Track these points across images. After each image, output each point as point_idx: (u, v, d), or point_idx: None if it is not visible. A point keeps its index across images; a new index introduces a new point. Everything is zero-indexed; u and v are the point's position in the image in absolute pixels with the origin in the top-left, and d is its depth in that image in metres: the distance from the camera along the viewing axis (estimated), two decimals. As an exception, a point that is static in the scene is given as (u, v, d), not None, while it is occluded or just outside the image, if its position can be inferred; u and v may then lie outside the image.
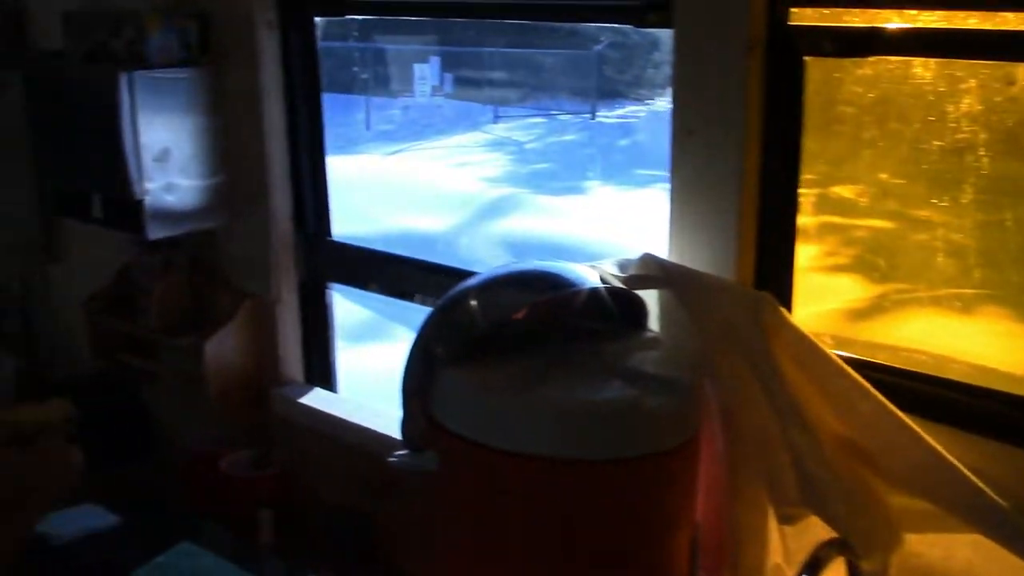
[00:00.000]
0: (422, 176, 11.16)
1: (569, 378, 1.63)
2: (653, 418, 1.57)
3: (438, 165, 12.06)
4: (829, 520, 1.58)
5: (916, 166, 2.11)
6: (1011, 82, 1.75)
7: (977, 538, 1.58)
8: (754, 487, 1.72)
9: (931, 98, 1.78)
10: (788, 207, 1.87)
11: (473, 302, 1.73)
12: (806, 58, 1.80)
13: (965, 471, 1.51)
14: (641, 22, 2.05)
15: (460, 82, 14.93)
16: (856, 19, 1.78)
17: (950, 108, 1.80)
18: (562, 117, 14.27)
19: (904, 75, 1.80)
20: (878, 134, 1.96)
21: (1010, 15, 1.59)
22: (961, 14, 1.66)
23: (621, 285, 1.76)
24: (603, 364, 1.67)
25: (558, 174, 11.77)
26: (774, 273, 1.87)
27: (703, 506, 1.74)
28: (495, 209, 9.60)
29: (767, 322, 1.67)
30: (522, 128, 13.95)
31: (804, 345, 1.65)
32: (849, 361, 1.67)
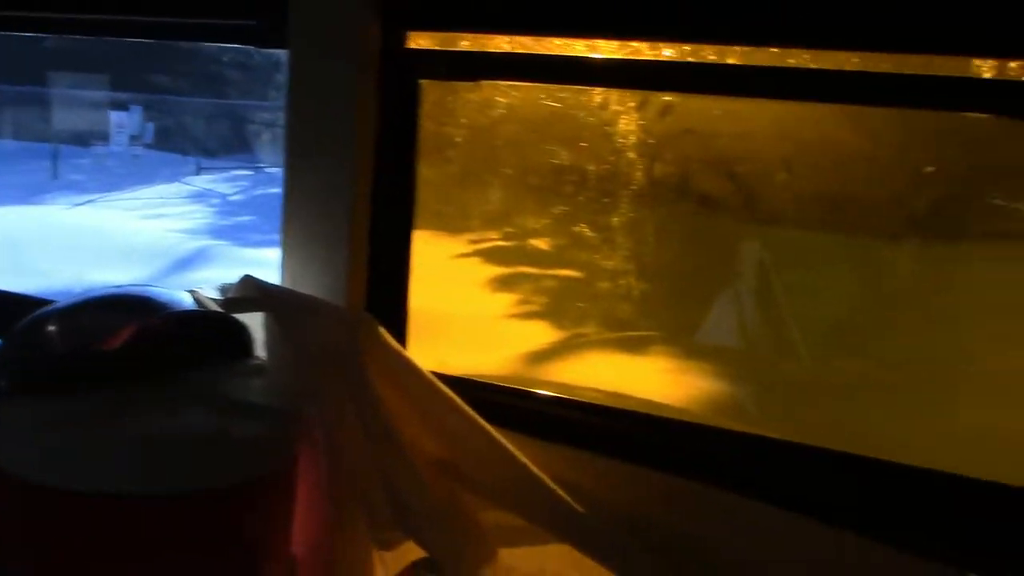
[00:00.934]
0: (112, 227, 10.53)
1: (150, 410, 1.51)
2: (236, 447, 1.48)
3: (131, 216, 11.44)
4: (420, 541, 1.56)
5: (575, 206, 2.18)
6: (666, 112, 1.84)
7: (566, 549, 1.61)
8: (353, 515, 1.66)
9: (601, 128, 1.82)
10: (401, 232, 1.86)
11: (50, 328, 1.57)
12: (421, 81, 1.81)
13: (548, 482, 1.53)
14: (261, 43, 2.00)
15: (162, 132, 14.35)
16: (469, 44, 1.82)
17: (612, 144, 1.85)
18: (268, 170, 14.04)
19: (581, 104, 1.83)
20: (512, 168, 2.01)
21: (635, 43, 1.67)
22: (579, 42, 1.72)
23: (218, 309, 1.66)
24: (193, 393, 1.56)
25: (261, 226, 11.51)
26: (387, 298, 1.85)
27: (302, 537, 1.66)
28: (191, 261, 9.22)
29: (365, 343, 1.63)
30: (226, 180, 13.58)
31: (402, 365, 1.63)
32: (447, 379, 1.66)
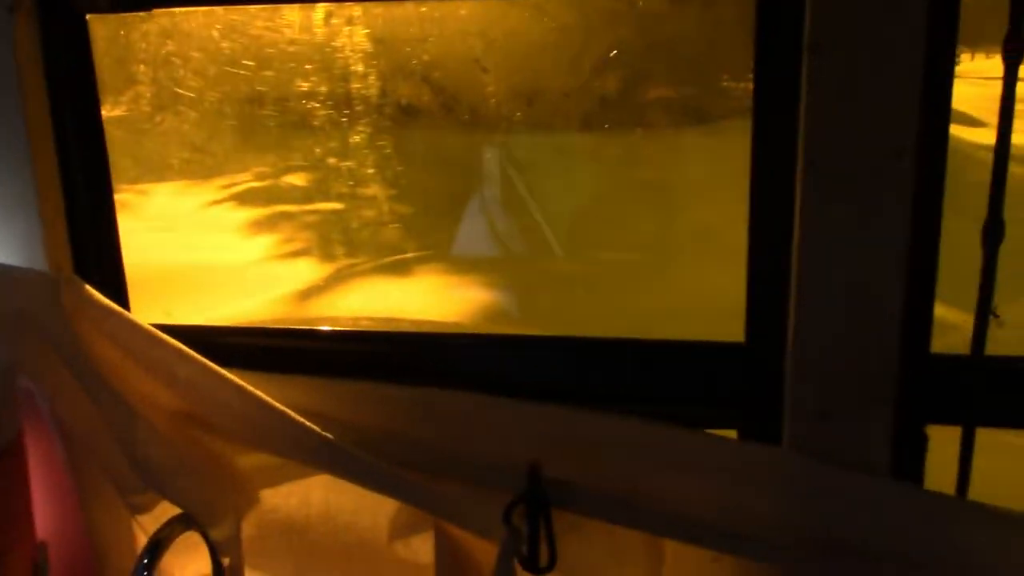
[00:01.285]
0: None
1: None
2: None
3: None
4: (171, 497, 1.50)
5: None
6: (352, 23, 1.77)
7: (330, 476, 1.60)
8: (99, 484, 1.58)
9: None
10: (98, 183, 1.73)
11: None
12: (87, 16, 1.67)
13: (293, 416, 1.50)
14: None
15: None
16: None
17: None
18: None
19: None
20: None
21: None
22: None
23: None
24: None
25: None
26: (95, 256, 1.73)
27: (47, 517, 1.56)
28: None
29: (70, 305, 1.52)
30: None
31: (115, 321, 1.54)
32: (178, 330, 1.59)
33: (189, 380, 1.51)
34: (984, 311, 1.42)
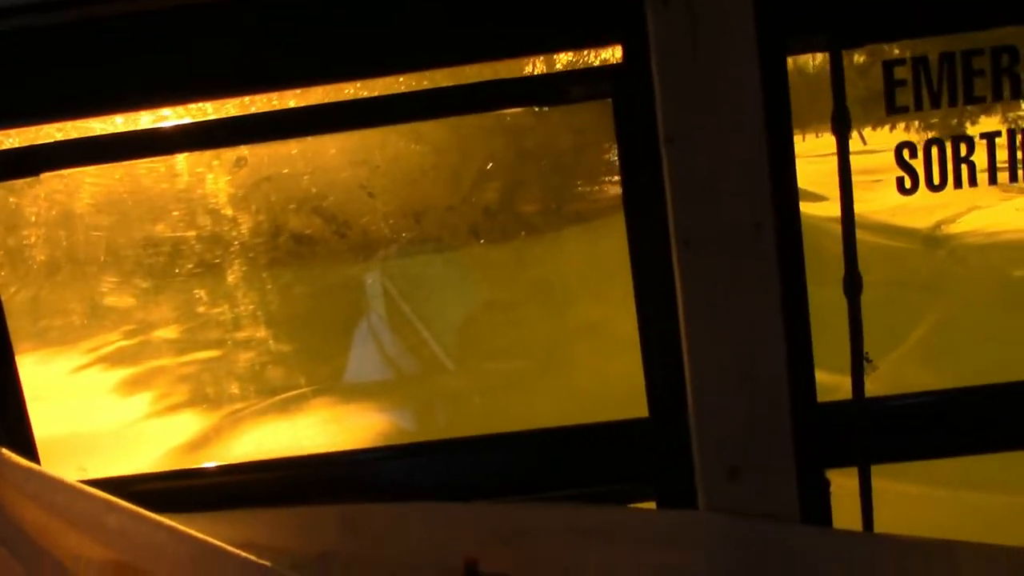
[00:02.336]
0: None
1: None
2: None
3: None
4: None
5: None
6: (240, 165, 1.84)
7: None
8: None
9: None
10: (1, 351, 1.73)
11: None
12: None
13: (227, 548, 1.51)
14: None
15: None
16: (15, 140, 1.74)
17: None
18: None
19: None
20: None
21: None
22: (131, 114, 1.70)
23: None
24: None
25: None
26: (5, 422, 1.72)
27: None
28: None
29: (-10, 471, 1.52)
30: None
31: (36, 481, 1.53)
32: (95, 483, 1.59)
33: (119, 528, 1.51)
34: (858, 357, 1.57)
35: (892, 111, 1.64)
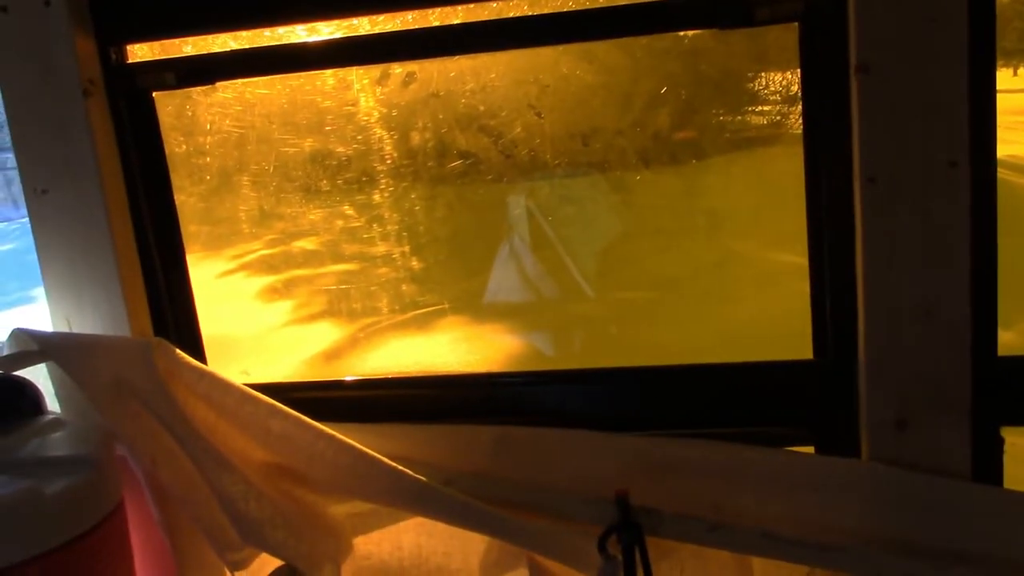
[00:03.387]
0: None
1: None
2: (52, 507, 1.40)
3: None
4: (271, 550, 1.53)
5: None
6: (410, 80, 1.84)
7: (420, 520, 1.63)
8: (197, 543, 1.61)
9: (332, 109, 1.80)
10: (172, 251, 1.79)
11: None
12: (154, 94, 1.74)
13: (384, 460, 1.54)
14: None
15: None
16: (192, 48, 1.76)
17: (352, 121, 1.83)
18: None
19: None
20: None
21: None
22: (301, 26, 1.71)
23: (-6, 370, 1.55)
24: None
25: (3, 286, 10.66)
26: (175, 323, 1.79)
27: (147, 581, 1.60)
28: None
29: (162, 368, 1.57)
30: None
31: (206, 381, 1.58)
32: (256, 388, 1.63)
33: (283, 434, 1.55)
34: (1050, 310, 1.47)
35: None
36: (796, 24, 1.52)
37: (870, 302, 1.47)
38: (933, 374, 1.47)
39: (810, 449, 1.61)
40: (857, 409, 1.53)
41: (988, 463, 1.54)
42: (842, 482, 1.50)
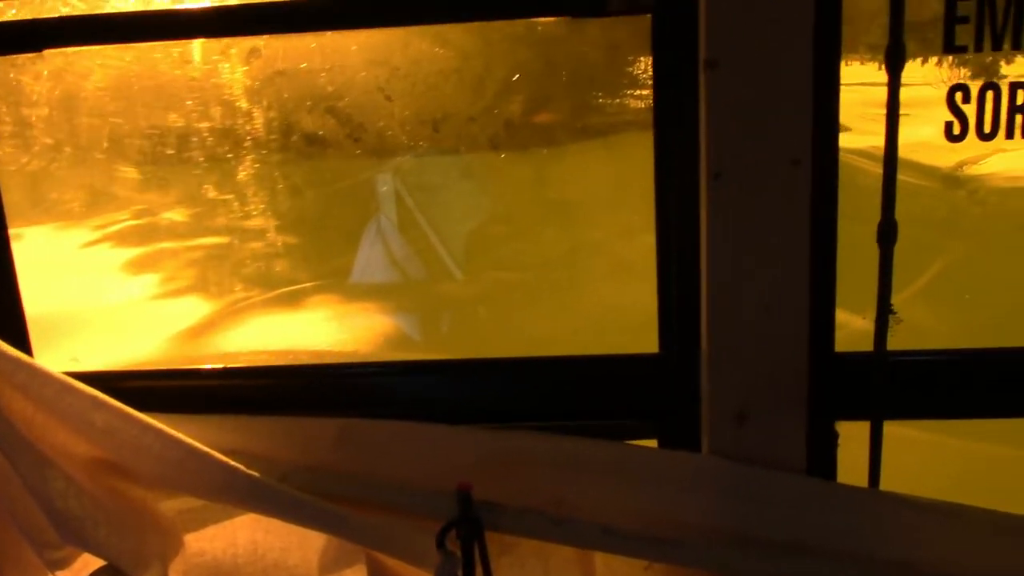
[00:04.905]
0: None
1: None
2: None
3: None
4: (93, 550, 1.45)
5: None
6: (254, 56, 1.75)
7: (256, 516, 1.57)
8: (15, 542, 1.52)
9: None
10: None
11: None
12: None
13: (215, 455, 1.48)
14: None
15: None
16: (17, 12, 1.64)
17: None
18: None
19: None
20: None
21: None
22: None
23: None
24: None
25: None
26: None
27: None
28: None
29: (-25, 359, 1.47)
30: None
31: (24, 373, 1.48)
32: (86, 376, 1.54)
33: (107, 427, 1.47)
34: (884, 310, 1.50)
35: (950, 50, 1.54)
36: (649, 16, 1.51)
37: (712, 296, 1.48)
38: (772, 369, 1.49)
39: (654, 442, 1.62)
40: (699, 404, 1.54)
41: (823, 457, 1.58)
42: (682, 476, 1.51)
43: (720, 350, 1.49)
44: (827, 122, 1.47)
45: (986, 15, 1.48)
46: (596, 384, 1.64)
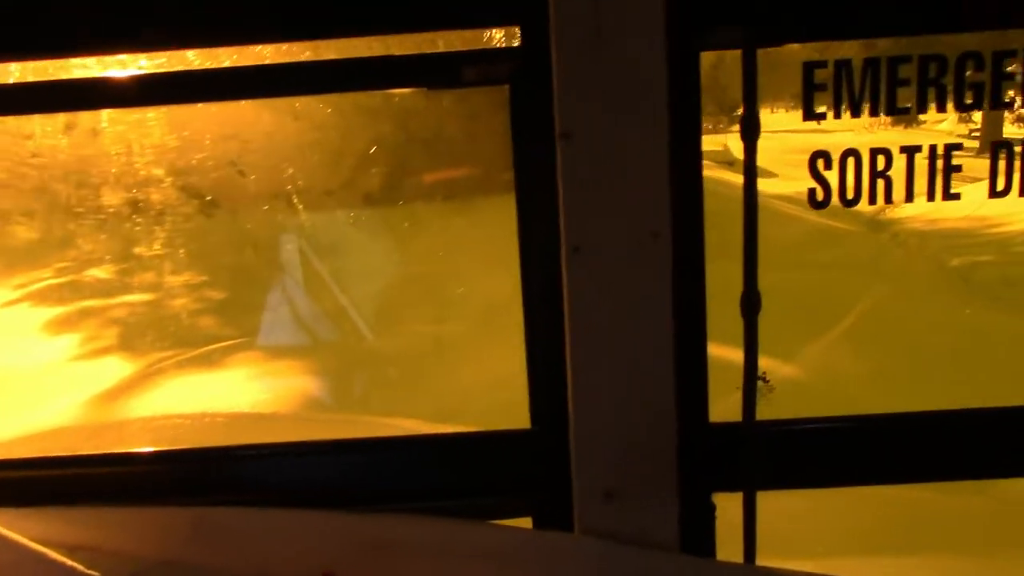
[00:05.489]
0: None
1: None
2: None
3: None
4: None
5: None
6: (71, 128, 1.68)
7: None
8: None
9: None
10: None
11: None
12: None
13: (51, 555, 1.39)
14: None
15: None
16: None
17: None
18: None
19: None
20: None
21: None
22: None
23: None
24: None
25: None
26: None
27: None
28: None
29: None
30: None
31: None
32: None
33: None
34: (751, 379, 1.47)
35: (809, 116, 1.54)
36: (506, 87, 1.48)
37: (576, 371, 1.44)
38: (640, 443, 1.45)
39: (528, 521, 1.57)
40: (570, 480, 1.49)
41: (700, 531, 1.54)
42: (552, 558, 1.46)
43: (585, 425, 1.45)
44: (690, 193, 1.45)
45: (843, 83, 1.48)
46: (469, 461, 1.59)
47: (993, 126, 14.46)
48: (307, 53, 1.50)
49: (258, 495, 1.55)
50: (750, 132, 1.42)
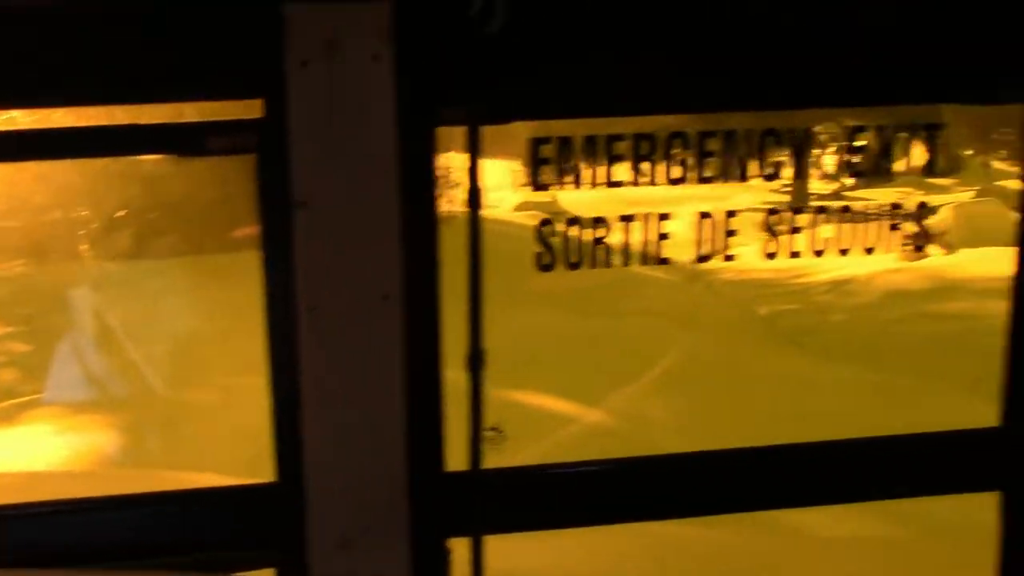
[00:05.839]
0: None
1: None
2: None
3: None
4: None
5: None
6: None
7: None
8: None
9: None
10: None
11: None
12: None
13: None
14: None
15: None
16: None
17: None
18: None
19: None
20: None
21: None
22: None
23: None
24: None
25: None
26: None
27: None
28: None
29: None
30: None
31: None
32: None
33: None
34: (477, 430, 1.59)
35: (537, 187, 1.68)
36: (254, 156, 1.56)
37: (311, 426, 1.51)
38: (374, 494, 1.53)
39: (269, 573, 1.62)
40: (306, 531, 1.56)
41: (433, 575, 1.63)
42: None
43: (320, 477, 1.52)
44: (424, 257, 1.56)
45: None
46: (215, 515, 1.64)
47: (799, 192, 15.69)
48: (54, 117, 1.54)
49: (40, 555, 1.54)
50: (474, 203, 1.55)
